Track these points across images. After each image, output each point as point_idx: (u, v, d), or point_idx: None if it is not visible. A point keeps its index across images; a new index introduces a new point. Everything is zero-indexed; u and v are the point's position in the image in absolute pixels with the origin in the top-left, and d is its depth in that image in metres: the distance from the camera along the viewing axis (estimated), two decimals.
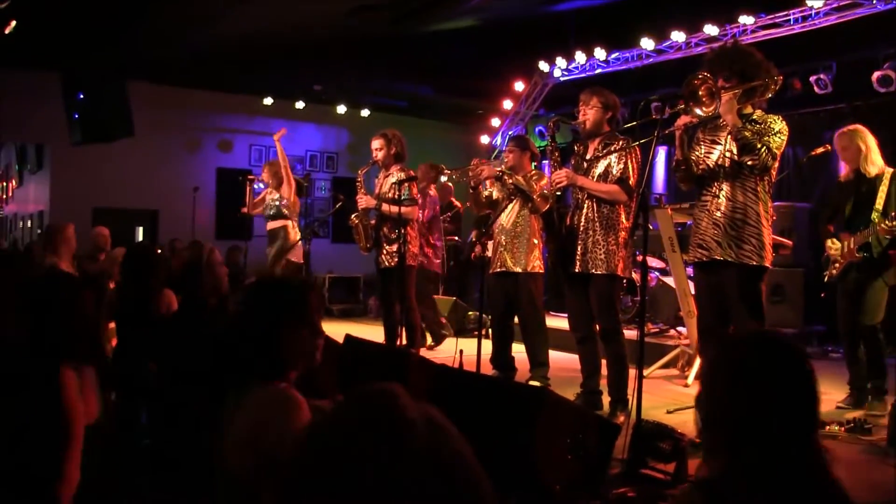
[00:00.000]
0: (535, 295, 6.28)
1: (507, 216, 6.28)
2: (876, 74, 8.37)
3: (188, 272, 3.89)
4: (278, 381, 2.40)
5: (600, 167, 5.39)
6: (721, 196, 4.60)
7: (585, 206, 5.39)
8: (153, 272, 4.60)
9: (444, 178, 8.45)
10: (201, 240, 7.35)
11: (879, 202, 5.44)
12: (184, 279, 3.94)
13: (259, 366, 2.41)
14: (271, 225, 8.89)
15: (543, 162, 13.32)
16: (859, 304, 5.56)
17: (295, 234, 8.92)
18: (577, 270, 5.36)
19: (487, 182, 6.47)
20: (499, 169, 6.40)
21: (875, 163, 5.54)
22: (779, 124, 4.54)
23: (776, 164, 4.60)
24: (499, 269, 6.29)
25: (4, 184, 18.26)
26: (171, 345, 3.72)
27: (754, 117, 4.59)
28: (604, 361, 5.47)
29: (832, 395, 5.66)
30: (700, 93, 4.43)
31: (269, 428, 2.25)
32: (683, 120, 4.60)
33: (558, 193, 5.52)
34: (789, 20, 8.52)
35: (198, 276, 3.83)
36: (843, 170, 5.81)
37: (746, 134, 4.43)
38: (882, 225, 5.36)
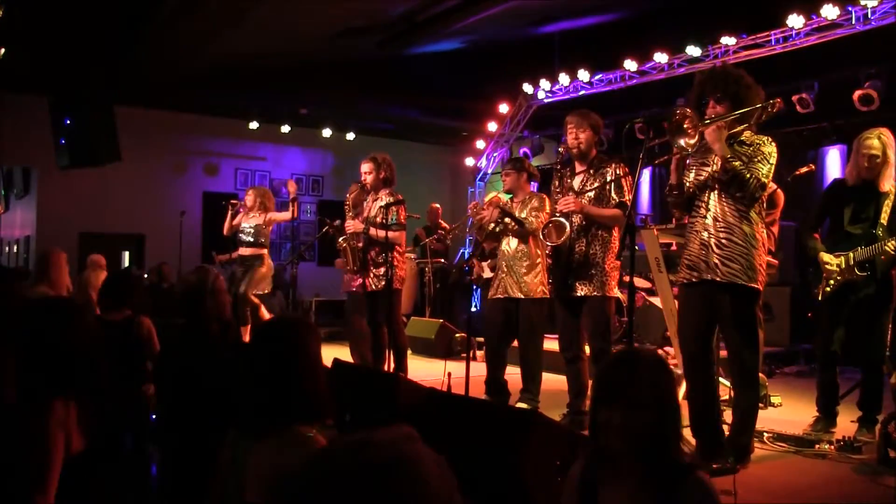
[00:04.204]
0: (537, 322, 6.19)
1: (511, 243, 6.25)
2: (857, 93, 8.44)
3: (191, 297, 3.85)
4: (306, 426, 2.39)
5: (593, 190, 5.39)
6: (709, 217, 4.52)
7: (588, 231, 5.40)
8: (131, 299, 4.60)
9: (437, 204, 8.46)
10: (205, 265, 7.33)
11: (885, 216, 5.12)
12: (186, 304, 3.90)
13: (286, 409, 2.39)
14: (246, 251, 8.82)
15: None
16: (865, 333, 5.24)
17: (270, 263, 8.92)
18: (576, 294, 5.37)
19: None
20: (498, 211, 6.32)
21: (891, 177, 5.20)
22: (768, 146, 4.46)
23: (767, 190, 4.55)
24: (500, 295, 6.23)
25: None
26: (174, 371, 3.68)
27: (743, 138, 4.53)
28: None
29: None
30: (685, 125, 4.37)
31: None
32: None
33: (565, 222, 5.40)
34: (770, 41, 8.60)
35: (201, 302, 3.79)
36: (849, 175, 5.34)
37: (736, 164, 4.36)
38: (887, 244, 5.05)
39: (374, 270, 6.81)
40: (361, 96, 12.83)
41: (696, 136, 4.35)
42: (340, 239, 7.02)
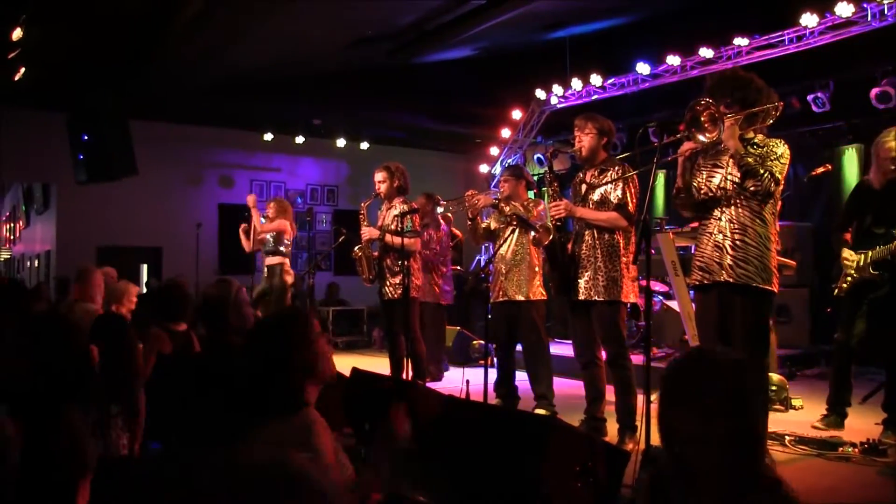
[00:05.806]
0: (538, 323, 6.29)
1: (507, 246, 6.31)
2: (874, 91, 8.37)
3: (213, 309, 3.83)
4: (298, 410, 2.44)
5: (597, 194, 5.39)
6: (723, 219, 4.51)
7: (586, 234, 5.39)
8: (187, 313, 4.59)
9: (440, 210, 8.45)
10: (227, 277, 7.36)
11: None
12: (209, 316, 3.88)
13: (276, 402, 2.44)
14: (269, 261, 8.97)
15: (542, 189, 13.38)
16: (887, 333, 5.21)
17: (291, 272, 8.99)
18: (580, 298, 5.34)
19: (486, 212, 6.50)
20: (494, 198, 6.46)
21: None
22: (781, 148, 4.46)
23: (780, 188, 4.53)
24: (500, 299, 6.34)
25: (12, 224, 18.35)
26: (196, 383, 3.69)
27: (755, 141, 4.53)
28: (611, 388, 5.43)
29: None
30: (702, 119, 4.34)
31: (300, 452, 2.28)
32: (687, 146, 4.54)
33: (559, 223, 5.50)
34: (784, 40, 8.54)
35: (224, 314, 3.77)
36: (874, 179, 5.41)
37: (749, 160, 4.35)
38: None
39: (390, 279, 6.81)
40: (374, 105, 12.86)
41: (716, 132, 4.32)
42: (356, 248, 7.02)
